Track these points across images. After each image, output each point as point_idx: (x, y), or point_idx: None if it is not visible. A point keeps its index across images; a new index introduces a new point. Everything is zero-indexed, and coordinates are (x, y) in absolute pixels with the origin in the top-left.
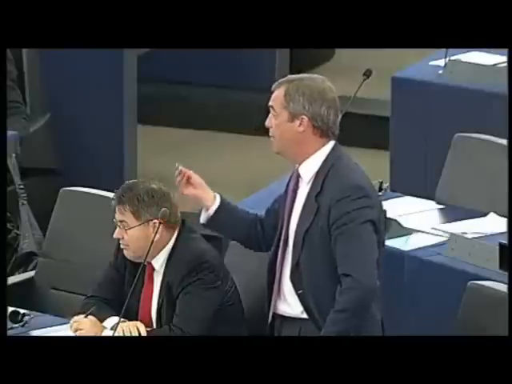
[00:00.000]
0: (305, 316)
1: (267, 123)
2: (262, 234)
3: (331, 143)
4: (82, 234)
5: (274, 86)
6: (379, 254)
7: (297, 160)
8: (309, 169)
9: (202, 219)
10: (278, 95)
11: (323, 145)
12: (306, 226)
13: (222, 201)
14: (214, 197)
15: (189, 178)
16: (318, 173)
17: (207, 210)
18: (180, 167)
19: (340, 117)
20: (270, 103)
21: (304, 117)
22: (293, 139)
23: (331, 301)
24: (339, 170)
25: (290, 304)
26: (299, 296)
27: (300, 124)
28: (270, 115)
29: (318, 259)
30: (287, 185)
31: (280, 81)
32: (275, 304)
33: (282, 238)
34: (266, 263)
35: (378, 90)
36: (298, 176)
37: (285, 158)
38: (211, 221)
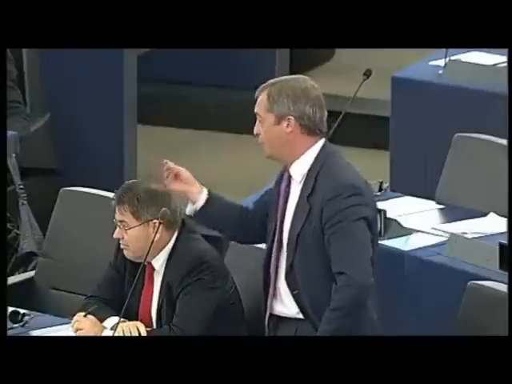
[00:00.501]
0: (301, 316)
1: (255, 131)
2: (247, 224)
3: (321, 142)
4: (82, 234)
5: (256, 93)
6: (373, 252)
7: (288, 161)
8: (300, 169)
9: (189, 211)
10: (261, 100)
11: (313, 143)
12: (299, 227)
13: (211, 193)
14: (201, 189)
15: (177, 174)
16: (308, 172)
17: (193, 203)
18: (168, 163)
19: (326, 114)
20: (255, 110)
21: (290, 117)
22: (282, 141)
23: (327, 300)
24: (330, 168)
25: (285, 304)
26: (294, 296)
27: (287, 125)
28: (257, 122)
29: (312, 259)
30: (279, 184)
31: (262, 86)
32: (271, 304)
33: (276, 239)
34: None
35: (378, 90)
36: (290, 176)
37: (277, 161)
38: (200, 213)
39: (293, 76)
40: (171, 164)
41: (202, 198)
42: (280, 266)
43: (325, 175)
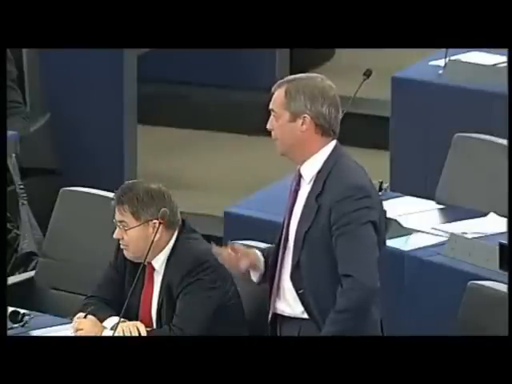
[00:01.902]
0: (305, 316)
1: (269, 126)
2: None
3: (333, 143)
4: (82, 234)
5: (273, 88)
6: (380, 254)
7: (300, 160)
8: (310, 169)
9: (257, 279)
10: (278, 96)
11: (325, 144)
12: (307, 226)
13: (263, 253)
14: (258, 256)
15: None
16: (319, 173)
17: (255, 269)
18: (234, 245)
19: (340, 115)
20: (271, 106)
21: (306, 116)
22: (296, 139)
23: (332, 300)
24: (340, 169)
25: (289, 304)
26: (299, 296)
27: (302, 123)
28: (271, 117)
29: (319, 259)
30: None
31: (279, 82)
32: (274, 304)
33: (283, 237)
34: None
35: (378, 90)
36: (300, 176)
37: (289, 158)
38: (264, 276)
39: (310, 74)
40: (237, 245)
41: (261, 261)
42: (285, 264)
43: (335, 176)
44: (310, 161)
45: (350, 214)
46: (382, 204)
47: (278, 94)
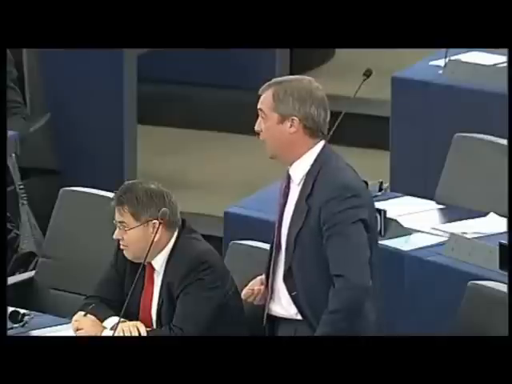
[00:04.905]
0: (299, 317)
1: (257, 127)
2: None
3: (321, 143)
4: (82, 233)
5: (260, 90)
6: (372, 253)
7: (288, 161)
8: (299, 170)
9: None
10: (266, 98)
11: (313, 145)
12: (298, 228)
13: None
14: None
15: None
16: (307, 174)
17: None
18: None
19: (329, 116)
20: (259, 106)
21: (295, 118)
22: (284, 141)
23: (325, 302)
24: (328, 170)
25: (284, 306)
26: (293, 298)
27: (291, 125)
28: (259, 119)
29: (310, 261)
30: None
31: (267, 84)
32: (269, 305)
33: (275, 240)
34: (265, 263)
35: (378, 90)
36: (289, 178)
37: (279, 161)
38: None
39: (298, 76)
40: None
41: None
42: (278, 267)
43: (323, 177)
44: (298, 162)
45: (338, 214)
46: (373, 203)
47: (266, 96)
